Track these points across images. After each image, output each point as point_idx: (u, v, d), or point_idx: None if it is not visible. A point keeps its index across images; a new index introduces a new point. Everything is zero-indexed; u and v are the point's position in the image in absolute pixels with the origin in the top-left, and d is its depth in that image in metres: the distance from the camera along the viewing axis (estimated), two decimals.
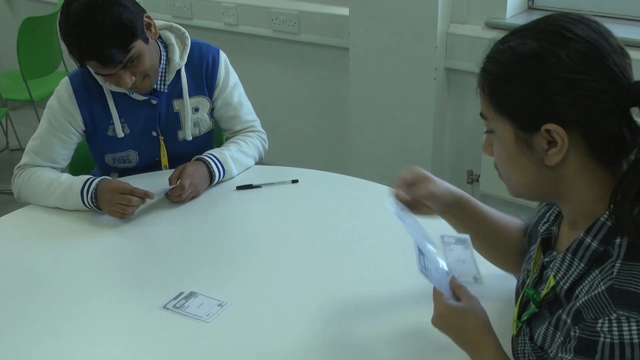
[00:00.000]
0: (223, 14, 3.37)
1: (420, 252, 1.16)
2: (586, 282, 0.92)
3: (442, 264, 1.19)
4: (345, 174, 1.93)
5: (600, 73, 0.87)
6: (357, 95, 2.91)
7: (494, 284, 1.29)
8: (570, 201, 0.97)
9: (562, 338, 0.93)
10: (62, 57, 3.71)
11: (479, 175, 2.74)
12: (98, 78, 1.80)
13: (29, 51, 3.38)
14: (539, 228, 1.10)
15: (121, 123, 1.87)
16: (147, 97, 1.87)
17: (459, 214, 1.26)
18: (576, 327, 0.89)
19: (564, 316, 0.94)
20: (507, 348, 1.11)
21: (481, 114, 1.00)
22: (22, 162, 1.87)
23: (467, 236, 1.22)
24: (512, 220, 1.29)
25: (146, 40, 1.73)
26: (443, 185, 1.25)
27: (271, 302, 1.40)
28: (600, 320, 0.85)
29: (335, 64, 3.11)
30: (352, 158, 3.06)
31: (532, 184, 0.98)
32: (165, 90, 1.88)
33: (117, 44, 1.64)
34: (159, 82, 1.86)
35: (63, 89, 1.83)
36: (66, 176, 1.82)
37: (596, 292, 0.88)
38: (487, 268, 1.26)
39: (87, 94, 1.83)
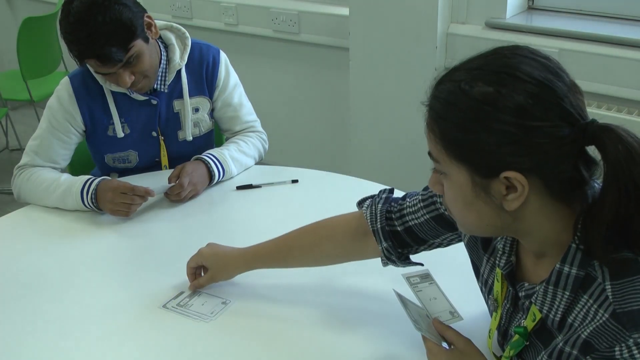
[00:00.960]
0: (223, 14, 3.37)
1: (404, 305, 1.14)
2: (577, 309, 0.90)
3: (423, 308, 1.18)
4: (345, 174, 1.93)
5: (559, 118, 0.84)
6: (357, 96, 2.91)
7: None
8: (531, 235, 0.95)
9: None
10: (62, 57, 3.71)
11: None
12: (98, 77, 1.81)
13: (29, 51, 3.38)
14: (497, 261, 1.05)
15: (121, 123, 1.86)
16: (147, 97, 1.87)
17: (260, 265, 1.41)
18: (588, 357, 0.87)
19: (567, 348, 0.91)
20: None
21: (430, 154, 0.94)
22: (22, 162, 1.87)
23: (427, 270, 1.22)
24: (332, 231, 1.35)
25: (146, 40, 1.73)
26: (229, 259, 1.43)
27: (271, 301, 1.40)
28: (617, 348, 0.84)
29: (335, 64, 3.11)
30: (352, 158, 3.06)
31: (488, 226, 0.95)
32: (166, 91, 1.88)
33: (117, 43, 1.64)
34: (159, 82, 1.86)
35: (63, 89, 1.83)
36: (66, 176, 1.82)
37: (601, 320, 0.86)
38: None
39: (87, 94, 1.83)
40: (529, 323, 0.98)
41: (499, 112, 0.84)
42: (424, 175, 3.24)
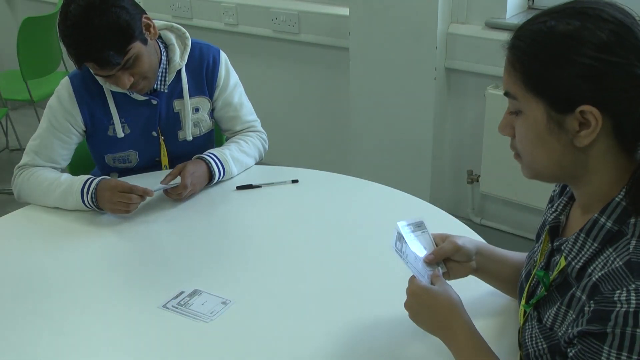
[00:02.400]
0: (223, 14, 3.37)
1: (401, 239, 1.19)
2: (599, 260, 0.93)
3: (420, 253, 1.21)
4: (345, 174, 1.93)
5: (637, 58, 0.89)
6: (357, 95, 2.91)
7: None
8: (588, 183, 0.98)
9: (574, 315, 0.94)
10: (62, 57, 3.71)
11: (479, 175, 2.74)
12: (98, 78, 1.80)
13: (29, 51, 3.38)
14: (545, 217, 1.11)
15: (121, 123, 1.87)
16: (147, 97, 1.87)
17: (483, 260, 1.25)
18: (591, 302, 0.90)
19: (578, 293, 0.94)
20: (508, 340, 1.11)
21: (507, 93, 0.99)
22: (22, 162, 1.87)
23: (422, 220, 1.24)
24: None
25: (145, 42, 1.73)
26: (464, 237, 1.27)
27: (272, 301, 1.40)
28: (618, 291, 0.87)
29: (335, 64, 3.11)
30: (352, 158, 3.06)
31: (555, 165, 0.98)
32: (166, 91, 1.88)
33: (114, 47, 1.64)
34: (159, 82, 1.86)
35: (63, 89, 1.83)
36: (66, 176, 1.82)
37: (613, 266, 0.89)
38: None
39: (87, 94, 1.83)
40: (554, 273, 1.02)
41: (583, 46, 0.89)
42: (423, 175, 3.23)
